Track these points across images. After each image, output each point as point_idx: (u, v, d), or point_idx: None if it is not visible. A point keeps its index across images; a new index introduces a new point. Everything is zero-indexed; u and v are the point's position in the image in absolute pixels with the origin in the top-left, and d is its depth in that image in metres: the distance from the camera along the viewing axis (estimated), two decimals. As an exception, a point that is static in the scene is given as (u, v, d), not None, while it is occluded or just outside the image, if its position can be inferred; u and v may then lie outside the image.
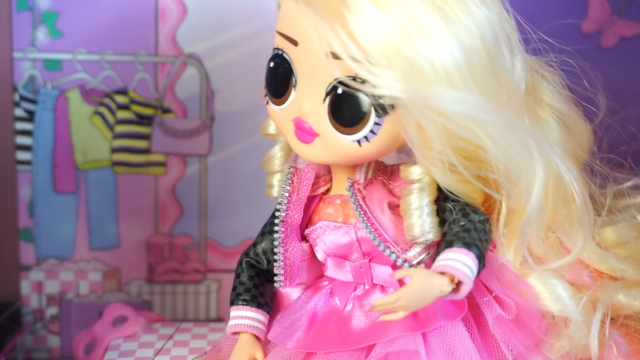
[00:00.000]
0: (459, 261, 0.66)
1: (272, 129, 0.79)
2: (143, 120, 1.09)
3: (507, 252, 0.74)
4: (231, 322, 0.77)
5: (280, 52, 0.71)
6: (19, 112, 1.08)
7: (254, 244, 0.79)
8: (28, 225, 1.10)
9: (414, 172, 0.71)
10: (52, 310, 1.12)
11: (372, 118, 0.67)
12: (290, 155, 0.80)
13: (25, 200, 1.09)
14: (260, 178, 1.11)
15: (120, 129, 1.09)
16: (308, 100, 0.70)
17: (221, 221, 1.12)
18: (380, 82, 0.64)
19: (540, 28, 0.72)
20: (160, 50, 1.08)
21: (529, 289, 0.74)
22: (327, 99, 0.68)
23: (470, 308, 0.71)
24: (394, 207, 0.73)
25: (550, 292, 0.74)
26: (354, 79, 0.66)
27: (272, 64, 0.72)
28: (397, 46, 0.63)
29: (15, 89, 1.07)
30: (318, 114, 0.69)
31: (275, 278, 0.74)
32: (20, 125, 1.08)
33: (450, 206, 0.71)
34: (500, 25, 0.69)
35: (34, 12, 1.06)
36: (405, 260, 0.71)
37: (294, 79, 0.71)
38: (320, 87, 0.69)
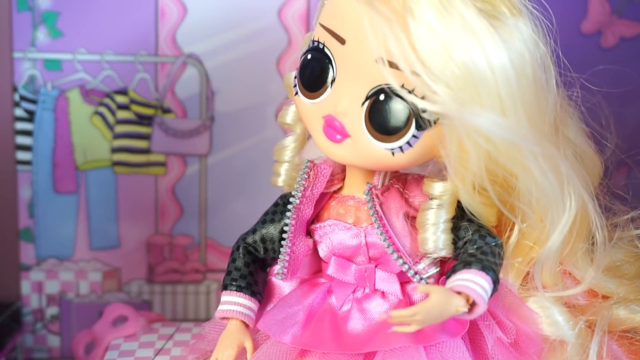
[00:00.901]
0: (477, 283, 0.66)
1: (289, 118, 0.78)
2: (143, 120, 1.09)
3: (509, 274, 0.75)
4: (222, 307, 0.76)
5: (321, 45, 0.70)
6: (19, 112, 1.08)
7: (253, 231, 0.78)
8: (28, 225, 1.10)
9: (437, 188, 0.70)
10: (52, 310, 1.12)
11: (412, 130, 0.67)
12: (302, 147, 0.79)
13: (25, 200, 1.09)
14: (260, 178, 1.11)
15: (120, 129, 1.09)
16: (345, 99, 0.68)
17: (221, 221, 1.12)
18: (434, 97, 0.63)
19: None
20: (160, 50, 1.08)
21: (531, 314, 0.74)
22: (367, 103, 0.67)
23: (469, 328, 0.71)
24: (408, 218, 0.72)
25: (547, 317, 0.75)
26: (401, 87, 0.65)
27: (309, 56, 0.71)
28: (457, 64, 0.63)
29: (15, 89, 1.07)
30: (354, 115, 0.68)
31: (278, 270, 0.74)
32: (20, 125, 1.08)
33: (465, 225, 0.71)
34: (545, 56, 0.69)
35: (34, 12, 1.06)
36: (416, 272, 0.71)
37: (332, 75, 0.69)
38: (361, 89, 0.67)
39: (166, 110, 1.09)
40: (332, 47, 0.69)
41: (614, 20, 1.08)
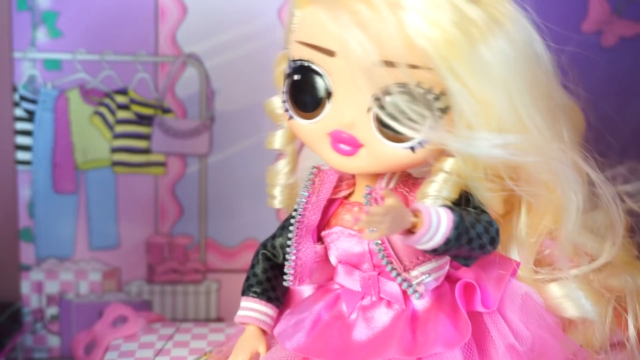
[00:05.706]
0: (435, 209, 0.63)
1: (278, 143, 0.77)
2: (143, 120, 1.09)
3: (521, 253, 0.74)
4: (240, 313, 0.77)
5: (306, 63, 0.68)
6: (19, 112, 1.08)
7: (273, 237, 0.78)
8: (28, 225, 1.10)
9: (448, 163, 0.68)
10: (52, 310, 1.12)
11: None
12: (295, 169, 0.78)
13: (25, 200, 1.09)
14: (260, 178, 1.11)
15: (120, 129, 1.09)
16: (349, 110, 0.67)
17: (221, 221, 1.12)
18: (442, 86, 0.63)
19: (540, 28, 0.72)
20: (160, 50, 1.08)
21: (555, 320, 0.73)
22: (374, 108, 0.66)
23: (478, 335, 0.70)
24: None
25: (572, 302, 0.74)
26: (403, 84, 0.64)
27: (296, 77, 0.69)
28: (460, 48, 0.62)
29: (15, 89, 1.07)
30: (363, 124, 0.67)
31: (285, 277, 0.73)
32: (20, 125, 1.08)
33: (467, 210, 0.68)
34: (538, 42, 0.69)
35: (34, 12, 1.06)
36: (404, 280, 0.68)
37: (328, 90, 0.68)
38: (363, 96, 0.66)
39: (166, 110, 1.09)
40: (321, 62, 0.67)
41: (614, 20, 1.08)
